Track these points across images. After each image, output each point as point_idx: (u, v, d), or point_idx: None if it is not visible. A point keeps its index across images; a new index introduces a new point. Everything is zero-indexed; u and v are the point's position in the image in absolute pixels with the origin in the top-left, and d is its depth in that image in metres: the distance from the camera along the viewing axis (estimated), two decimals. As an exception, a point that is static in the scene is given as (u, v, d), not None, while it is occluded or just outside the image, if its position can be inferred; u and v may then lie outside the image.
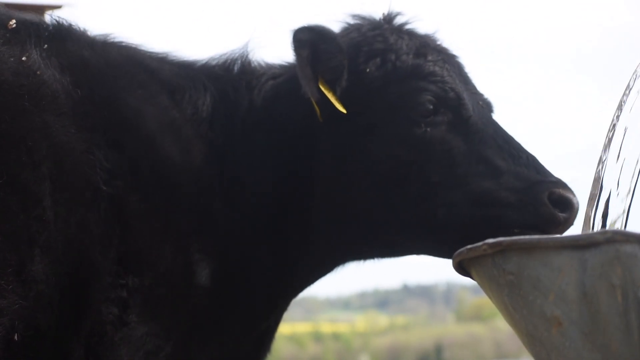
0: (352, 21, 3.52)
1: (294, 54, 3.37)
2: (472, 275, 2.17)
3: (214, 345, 3.27)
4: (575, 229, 2.70)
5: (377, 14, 3.55)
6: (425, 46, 3.45)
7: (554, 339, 2.04)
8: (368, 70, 3.35)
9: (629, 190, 2.56)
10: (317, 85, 3.32)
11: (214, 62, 3.52)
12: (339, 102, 3.32)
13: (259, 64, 3.57)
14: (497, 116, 3.45)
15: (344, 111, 3.29)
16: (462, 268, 2.18)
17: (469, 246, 2.12)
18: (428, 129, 3.28)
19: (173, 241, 3.10)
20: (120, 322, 2.96)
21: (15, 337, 2.75)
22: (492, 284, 2.10)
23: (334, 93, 3.32)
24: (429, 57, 3.41)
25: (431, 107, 3.29)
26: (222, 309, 3.27)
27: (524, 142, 3.35)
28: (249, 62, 3.53)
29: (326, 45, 3.36)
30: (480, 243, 2.09)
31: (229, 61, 3.52)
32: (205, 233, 3.21)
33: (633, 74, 2.65)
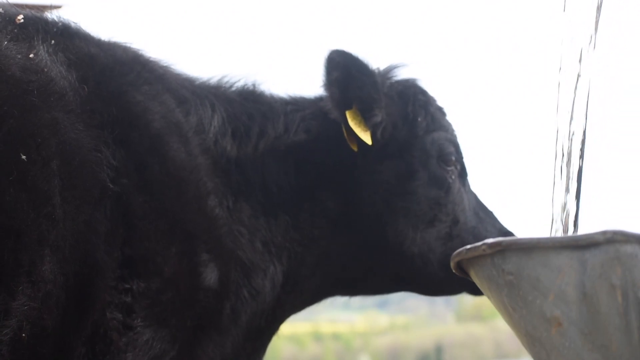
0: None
1: (324, 72, 3.49)
2: (470, 276, 2.17)
3: (215, 347, 3.27)
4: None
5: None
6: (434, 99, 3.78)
7: (553, 339, 2.03)
8: (419, 119, 3.64)
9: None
10: (344, 109, 3.44)
11: (223, 85, 3.55)
12: (365, 133, 3.48)
13: (275, 95, 3.66)
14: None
15: (370, 143, 3.46)
16: (460, 268, 2.17)
17: (467, 246, 2.11)
18: (452, 177, 3.65)
19: (180, 243, 3.08)
20: (125, 327, 2.95)
21: (22, 339, 2.72)
22: (491, 285, 2.09)
23: (363, 123, 3.48)
24: (443, 109, 3.76)
25: (453, 158, 3.66)
26: (227, 311, 3.27)
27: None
28: (263, 92, 3.62)
29: (358, 74, 3.49)
30: (479, 243, 2.09)
31: (241, 87, 3.58)
32: (214, 235, 3.20)
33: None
